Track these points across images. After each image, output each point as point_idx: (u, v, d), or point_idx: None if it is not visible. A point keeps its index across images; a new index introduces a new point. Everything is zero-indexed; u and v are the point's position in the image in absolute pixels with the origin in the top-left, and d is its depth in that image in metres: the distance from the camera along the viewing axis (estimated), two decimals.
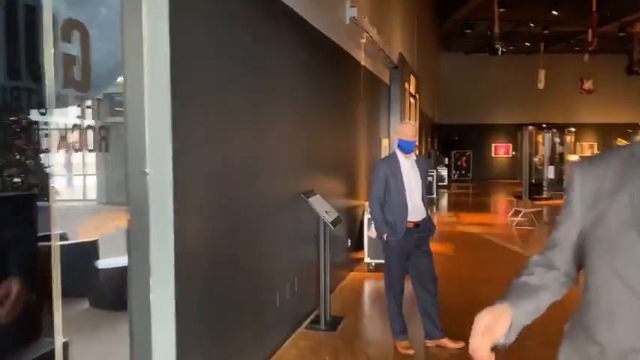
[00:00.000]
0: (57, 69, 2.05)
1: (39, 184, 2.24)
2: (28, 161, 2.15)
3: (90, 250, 5.06)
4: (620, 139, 20.57)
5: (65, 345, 2.03)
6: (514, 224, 10.50)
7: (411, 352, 4.09)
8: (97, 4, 2.74)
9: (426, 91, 15.43)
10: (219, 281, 3.20)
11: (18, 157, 2.20)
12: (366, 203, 6.94)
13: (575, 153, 22.07)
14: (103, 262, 4.79)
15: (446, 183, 17.52)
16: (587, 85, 20.07)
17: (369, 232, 6.21)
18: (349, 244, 6.54)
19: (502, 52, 14.66)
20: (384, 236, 4.11)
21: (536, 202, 11.67)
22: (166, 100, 2.57)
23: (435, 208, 13.14)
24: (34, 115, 2.05)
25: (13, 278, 2.01)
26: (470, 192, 18.25)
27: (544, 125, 18.00)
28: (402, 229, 4.07)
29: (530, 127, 13.68)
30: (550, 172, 16.02)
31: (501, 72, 22.12)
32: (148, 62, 2.52)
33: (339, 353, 4.09)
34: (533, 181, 12.71)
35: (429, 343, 4.21)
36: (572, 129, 21.03)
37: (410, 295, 4.33)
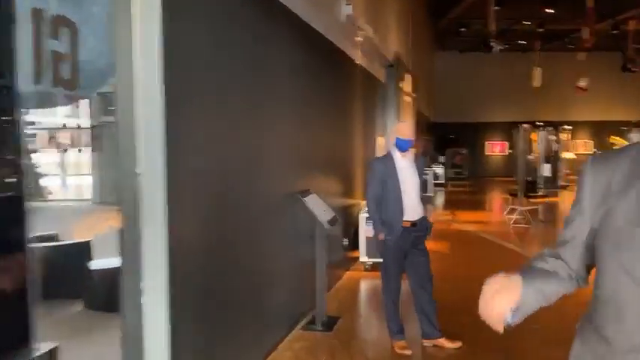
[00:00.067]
0: (44, 66, 2.00)
1: (30, 185, 2.19)
2: (16, 161, 2.10)
3: (84, 250, 5.01)
4: (612, 137, 20.62)
5: (53, 351, 1.99)
6: (511, 222, 10.49)
7: (408, 352, 4.06)
8: (91, 2, 2.69)
9: (422, 90, 15.41)
10: (213, 283, 3.17)
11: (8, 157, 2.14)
12: (362, 202, 6.92)
13: (570, 151, 22.12)
14: (97, 263, 4.74)
15: (442, 181, 17.51)
16: (583, 83, 20.07)
17: (367, 231, 6.19)
18: (345, 243, 6.51)
19: (498, 50, 14.64)
20: (381, 236, 4.08)
21: (532, 200, 11.67)
22: (158, 99, 2.53)
23: (431, 206, 13.12)
24: (20, 114, 2.00)
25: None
26: (466, 190, 18.25)
27: (539, 123, 17.97)
28: (399, 229, 4.04)
29: (526, 125, 13.66)
30: (545, 170, 16.00)
31: (497, 70, 22.11)
32: (138, 61, 2.47)
33: (335, 354, 4.05)
34: (529, 178, 12.68)
35: (426, 342, 4.18)
36: (568, 127, 21.05)
37: (407, 294, 4.30)
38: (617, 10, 15.61)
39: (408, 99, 11.54)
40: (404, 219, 4.07)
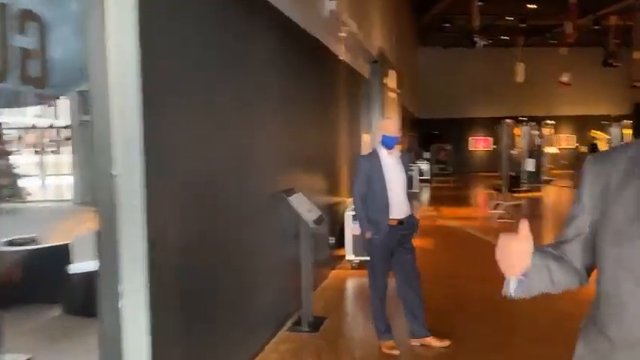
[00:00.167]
0: (11, 63, 1.89)
1: (9, 186, 2.08)
2: None
3: (63, 253, 4.87)
4: (593, 131, 20.85)
5: None
6: (497, 217, 10.51)
7: (396, 352, 4.01)
8: None
9: (406, 86, 15.40)
10: (196, 285, 3.08)
11: None
12: (348, 200, 6.86)
13: (553, 145, 22.31)
14: (76, 266, 4.61)
15: (427, 177, 17.55)
16: (565, 78, 20.24)
17: (353, 229, 6.13)
18: (331, 241, 6.45)
19: (482, 45, 14.69)
20: (368, 234, 4.03)
21: (516, 195, 11.72)
22: (135, 98, 2.43)
23: (417, 202, 13.12)
24: None
25: None
26: (450, 186, 18.31)
27: (522, 118, 18.10)
28: (385, 227, 3.99)
29: (509, 121, 13.73)
30: (529, 165, 16.11)
31: (480, 66, 22.20)
32: (113, 58, 2.37)
33: (321, 355, 3.98)
34: (513, 173, 12.74)
35: (414, 342, 4.13)
36: (550, 121, 21.22)
37: (394, 292, 4.25)
38: (598, 5, 15.75)
39: (392, 95, 11.50)
40: (390, 217, 4.01)
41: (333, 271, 6.43)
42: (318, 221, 4.57)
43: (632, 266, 1.15)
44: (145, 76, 2.45)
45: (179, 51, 2.91)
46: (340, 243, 6.66)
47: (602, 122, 21.19)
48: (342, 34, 6.90)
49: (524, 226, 1.21)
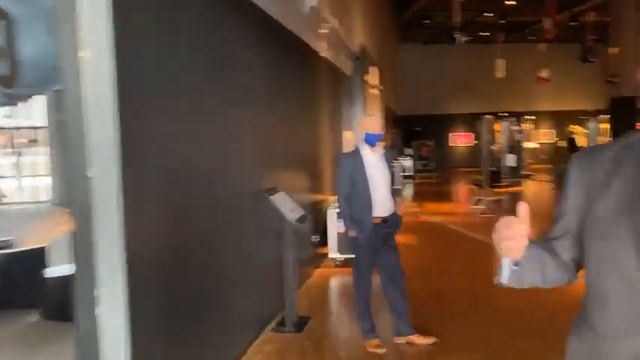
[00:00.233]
0: None
1: None
2: None
3: (39, 257, 4.75)
4: (571, 126, 21.13)
5: None
6: (480, 212, 10.57)
7: (381, 350, 3.98)
8: None
9: (388, 83, 15.41)
10: (177, 287, 3.02)
11: None
12: (331, 197, 6.83)
13: (532, 140, 22.57)
14: (53, 270, 4.49)
15: (410, 173, 17.61)
16: (544, 73, 20.46)
17: (338, 227, 6.10)
18: (315, 239, 6.40)
19: (462, 41, 14.76)
20: (352, 233, 4.00)
21: (496, 190, 11.81)
22: (110, 98, 2.35)
23: (400, 198, 13.15)
24: None
25: None
26: (433, 181, 18.40)
27: (502, 114, 18.23)
28: (369, 226, 3.96)
29: (489, 116, 13.82)
30: (509, 160, 16.25)
31: (460, 62, 22.31)
32: (87, 59, 2.29)
33: (306, 355, 3.94)
34: (494, 169, 12.84)
35: (399, 339, 4.11)
36: (530, 117, 21.45)
37: (378, 290, 4.22)
38: (575, 2, 15.92)
39: (374, 92, 11.48)
40: (374, 215, 3.98)
41: (318, 270, 6.39)
42: (301, 220, 4.52)
43: (615, 261, 1.17)
44: (120, 76, 2.37)
45: (157, 49, 2.84)
46: (324, 241, 6.62)
47: (579, 117, 21.48)
48: (324, 31, 6.85)
49: (523, 207, 1.21)
